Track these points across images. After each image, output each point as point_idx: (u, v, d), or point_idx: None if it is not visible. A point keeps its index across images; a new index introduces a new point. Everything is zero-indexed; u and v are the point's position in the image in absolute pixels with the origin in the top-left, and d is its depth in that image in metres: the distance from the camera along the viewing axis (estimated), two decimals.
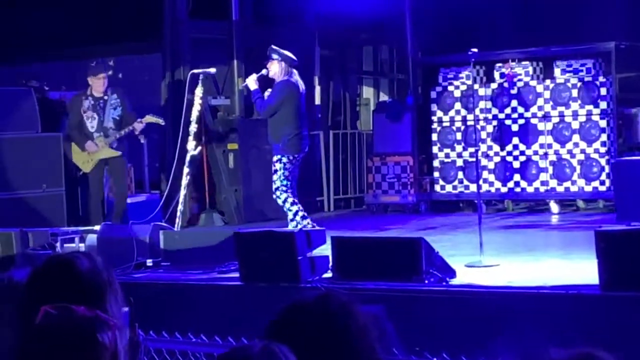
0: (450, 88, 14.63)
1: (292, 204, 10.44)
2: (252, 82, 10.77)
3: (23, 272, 2.79)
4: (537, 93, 13.98)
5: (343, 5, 13.86)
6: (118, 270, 9.01)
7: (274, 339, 2.27)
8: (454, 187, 14.55)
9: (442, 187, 14.65)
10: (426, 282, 7.72)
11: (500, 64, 14.29)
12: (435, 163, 14.73)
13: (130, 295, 2.88)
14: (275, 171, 10.53)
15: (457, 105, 14.55)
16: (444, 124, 14.64)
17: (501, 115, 14.19)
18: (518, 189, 14.11)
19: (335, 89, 16.94)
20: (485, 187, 13.91)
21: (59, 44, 15.32)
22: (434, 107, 14.73)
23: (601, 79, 13.62)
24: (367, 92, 17.67)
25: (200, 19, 14.16)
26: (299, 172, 10.98)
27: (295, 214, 10.43)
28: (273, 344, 2.23)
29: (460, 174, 14.50)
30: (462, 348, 6.93)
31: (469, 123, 14.21)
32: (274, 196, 10.57)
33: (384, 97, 17.39)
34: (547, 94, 13.91)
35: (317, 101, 15.84)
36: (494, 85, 14.29)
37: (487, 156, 14.15)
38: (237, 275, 8.47)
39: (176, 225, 10.99)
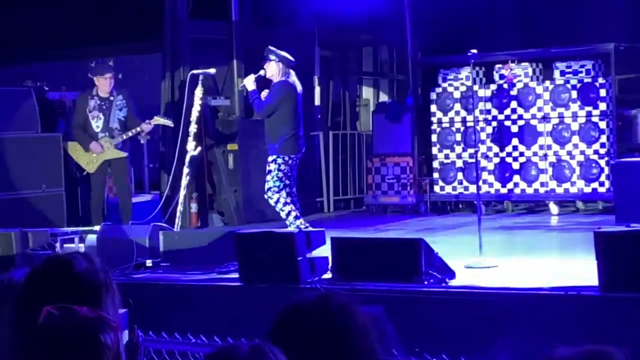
0: (450, 89, 14.64)
1: (285, 204, 10.43)
2: (250, 82, 10.78)
3: (23, 272, 2.79)
4: (536, 94, 13.99)
5: (343, 6, 13.86)
6: (117, 270, 9.02)
7: (275, 341, 2.28)
8: (454, 188, 14.56)
9: (442, 188, 14.66)
10: (425, 283, 7.72)
11: (499, 65, 14.30)
12: (435, 164, 14.74)
13: (130, 296, 2.89)
14: (269, 171, 10.52)
15: (457, 106, 14.56)
16: (444, 125, 14.65)
17: (501, 117, 14.20)
18: (517, 190, 14.12)
19: (335, 90, 16.94)
20: (484, 188, 13.92)
21: (59, 44, 15.33)
22: (433, 108, 14.74)
23: (601, 80, 13.63)
24: (367, 92, 17.67)
25: (200, 19, 14.17)
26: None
27: (288, 214, 10.43)
28: (263, 344, 2.24)
29: (459, 175, 14.51)
30: (461, 349, 6.93)
31: (468, 124, 14.22)
32: (266, 196, 10.57)
33: (383, 98, 17.40)
34: (546, 95, 13.91)
35: (317, 102, 15.84)
36: (493, 87, 14.30)
37: (486, 157, 14.16)
38: (236, 275, 8.47)
39: (176, 226, 10.99)
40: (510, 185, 14.15)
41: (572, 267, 8.34)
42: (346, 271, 8.05)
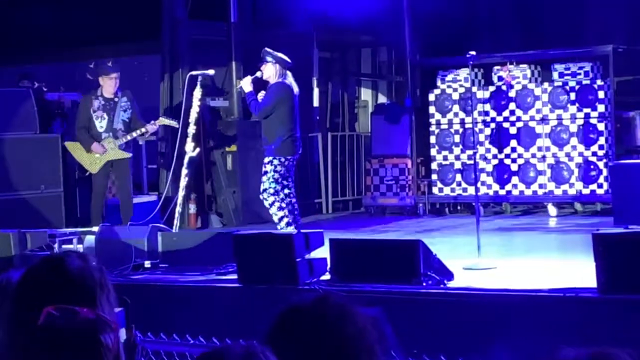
0: (449, 91, 14.64)
1: (279, 209, 10.42)
2: (246, 84, 10.78)
3: (20, 273, 2.79)
4: (535, 96, 13.99)
5: (341, 7, 13.86)
6: (116, 271, 9.03)
7: (273, 342, 2.28)
8: (452, 190, 14.56)
9: (440, 190, 14.66)
10: (424, 284, 7.73)
11: (498, 67, 14.30)
12: (434, 165, 14.74)
13: (129, 297, 2.88)
14: (265, 172, 10.52)
15: (455, 108, 14.56)
16: (442, 127, 14.65)
17: (499, 118, 14.21)
18: (516, 192, 14.12)
19: (333, 91, 16.95)
20: (483, 189, 13.93)
21: (58, 44, 15.33)
22: (432, 109, 14.74)
23: (599, 82, 13.63)
24: (366, 94, 17.68)
25: (199, 20, 14.17)
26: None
27: (280, 219, 10.41)
28: (255, 345, 2.24)
29: (458, 177, 14.51)
30: (459, 350, 6.93)
31: (467, 126, 14.23)
32: (261, 197, 10.56)
33: (382, 100, 17.40)
34: (545, 97, 13.92)
35: (316, 103, 15.85)
36: (492, 88, 14.30)
37: (485, 159, 14.17)
38: (235, 277, 8.47)
39: (174, 227, 10.98)
40: (508, 187, 14.15)
41: (571, 268, 8.35)
42: (345, 272, 8.06)
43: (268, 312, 2.40)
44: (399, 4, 14.98)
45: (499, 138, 14.17)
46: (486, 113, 14.26)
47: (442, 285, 7.78)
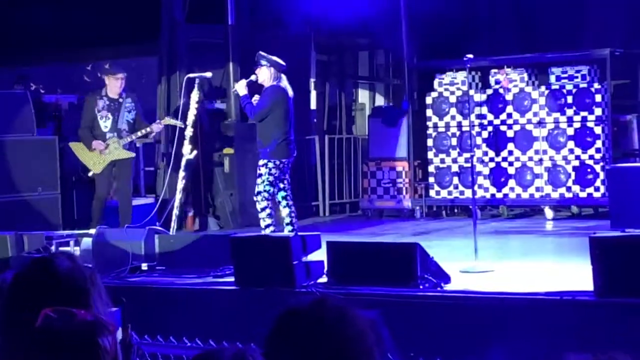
0: (446, 94, 14.65)
1: (269, 216, 10.45)
2: (241, 87, 10.81)
3: (11, 274, 2.80)
4: (532, 99, 14.00)
5: (339, 10, 13.87)
6: (113, 273, 9.03)
7: (271, 345, 2.28)
8: (449, 193, 14.57)
9: (438, 193, 14.67)
10: (421, 287, 7.73)
11: (495, 70, 14.31)
12: (431, 168, 14.74)
13: (126, 299, 2.89)
14: (260, 175, 10.54)
15: (453, 111, 14.57)
16: (440, 130, 14.66)
17: (496, 121, 14.21)
18: (513, 195, 14.13)
19: (331, 94, 16.95)
20: (480, 192, 13.93)
21: (55, 46, 15.32)
22: (429, 112, 14.75)
23: (596, 85, 13.64)
24: (363, 97, 17.68)
25: (197, 22, 14.17)
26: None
27: (267, 226, 10.45)
28: (246, 349, 2.24)
29: (455, 180, 14.52)
30: (456, 353, 6.94)
31: (464, 129, 14.23)
32: (255, 199, 10.58)
33: (379, 102, 17.41)
34: (542, 100, 13.93)
35: (313, 106, 15.85)
36: (489, 91, 14.31)
37: (482, 162, 14.17)
38: (232, 279, 8.47)
39: (171, 229, 10.98)
40: (505, 190, 14.16)
41: (568, 271, 8.35)
42: (342, 275, 8.06)
43: (265, 315, 2.40)
44: (396, 7, 14.98)
45: (496, 141, 14.18)
46: (483, 116, 14.27)
47: (439, 288, 7.78)
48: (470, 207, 11.76)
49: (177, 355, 6.55)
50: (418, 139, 14.87)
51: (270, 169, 10.48)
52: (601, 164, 13.46)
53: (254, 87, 10.88)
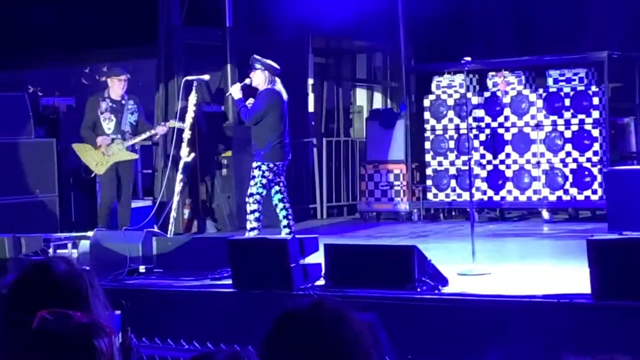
0: (444, 96, 14.66)
1: (256, 220, 10.50)
2: (236, 91, 10.83)
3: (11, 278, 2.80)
4: (529, 102, 14.01)
5: (336, 13, 13.88)
6: (110, 276, 9.02)
7: (269, 348, 2.28)
8: (447, 195, 14.57)
9: (435, 195, 14.67)
10: (418, 290, 7.73)
11: (493, 73, 14.31)
12: (428, 171, 14.75)
13: (124, 302, 2.89)
14: (253, 177, 10.57)
15: (450, 114, 14.58)
16: (437, 132, 14.67)
17: (494, 124, 14.22)
18: (510, 198, 14.14)
19: (328, 97, 16.97)
20: (477, 195, 13.93)
21: (53, 49, 15.32)
22: (427, 115, 14.75)
23: (594, 88, 13.65)
24: (361, 99, 17.70)
25: (194, 25, 14.18)
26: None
27: (252, 229, 10.49)
28: (241, 351, 2.25)
29: (453, 182, 14.52)
30: (453, 356, 6.94)
31: (461, 131, 14.23)
32: (246, 200, 10.61)
33: (377, 105, 17.42)
34: (539, 103, 13.94)
35: (311, 109, 15.86)
36: (487, 94, 14.32)
37: (479, 164, 14.18)
38: (229, 282, 8.47)
39: (169, 232, 10.98)
40: (503, 193, 14.16)
41: (565, 274, 8.36)
42: (339, 278, 8.06)
43: (263, 317, 2.40)
44: (394, 10, 15.00)
45: (494, 144, 14.18)
46: (481, 119, 14.28)
47: (436, 291, 7.78)
48: (468, 209, 11.77)
49: (174, 357, 6.55)
50: (416, 142, 14.87)
51: (263, 172, 10.51)
52: (599, 166, 13.47)
53: (249, 91, 10.90)
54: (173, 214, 11.34)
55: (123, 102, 12.04)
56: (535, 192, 13.94)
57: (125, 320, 2.85)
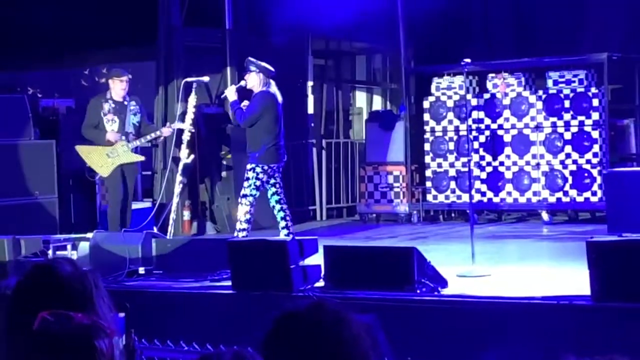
0: (443, 98, 14.66)
1: (247, 221, 10.53)
2: (231, 93, 10.85)
3: (15, 280, 2.80)
4: (529, 103, 14.01)
5: (336, 14, 13.88)
6: (110, 277, 9.02)
7: (268, 349, 2.28)
8: (446, 197, 14.57)
9: (435, 197, 14.67)
10: (418, 291, 7.73)
11: (493, 75, 14.31)
12: (428, 173, 14.75)
13: (127, 305, 2.89)
14: (247, 179, 10.59)
15: (450, 115, 14.57)
16: (437, 134, 14.66)
17: (494, 126, 14.22)
18: (510, 199, 14.13)
19: (328, 98, 16.97)
20: (477, 197, 13.92)
21: (52, 50, 15.31)
22: (426, 116, 14.75)
23: (593, 90, 13.65)
24: (360, 101, 17.70)
25: (194, 26, 14.17)
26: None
27: (241, 230, 10.50)
28: (244, 351, 2.24)
29: (452, 184, 14.52)
30: (453, 357, 6.94)
31: (461, 133, 14.23)
32: (239, 201, 10.63)
33: (376, 107, 17.42)
34: (539, 105, 13.93)
35: (310, 110, 15.85)
36: (486, 96, 14.32)
37: (479, 166, 14.17)
38: (229, 283, 8.48)
39: (168, 234, 10.99)
40: (502, 194, 14.16)
41: (565, 276, 8.36)
42: (339, 279, 8.06)
43: (262, 319, 2.40)
44: (393, 11, 15.00)
45: (493, 145, 14.18)
46: (480, 120, 14.27)
47: (436, 293, 7.79)
48: (468, 211, 11.77)
49: (174, 359, 6.55)
50: (415, 143, 14.87)
51: (257, 174, 10.53)
52: (598, 168, 13.47)
53: (244, 93, 10.90)
54: (173, 215, 11.35)
55: (125, 103, 11.98)
56: (534, 193, 13.94)
57: (129, 323, 2.84)
